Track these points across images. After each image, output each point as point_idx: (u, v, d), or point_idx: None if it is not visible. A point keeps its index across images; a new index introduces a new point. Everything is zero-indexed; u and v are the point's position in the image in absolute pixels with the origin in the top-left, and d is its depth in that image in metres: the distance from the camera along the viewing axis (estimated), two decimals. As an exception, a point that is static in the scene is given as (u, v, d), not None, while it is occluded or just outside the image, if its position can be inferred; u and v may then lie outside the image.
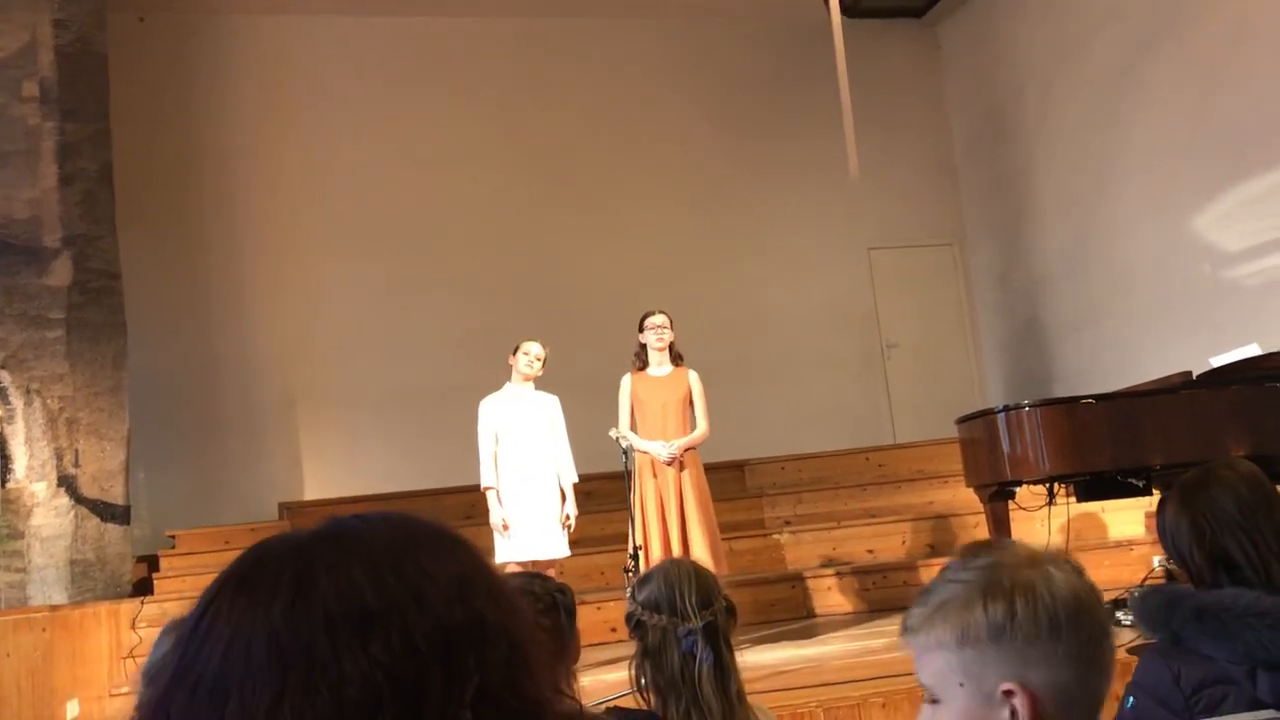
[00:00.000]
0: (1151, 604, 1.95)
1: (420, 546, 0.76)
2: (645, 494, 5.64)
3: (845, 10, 7.37)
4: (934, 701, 1.17)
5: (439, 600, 0.73)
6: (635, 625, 2.23)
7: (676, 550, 5.50)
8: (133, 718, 0.74)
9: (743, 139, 9.74)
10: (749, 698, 2.23)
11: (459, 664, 0.71)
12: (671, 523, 5.60)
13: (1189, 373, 5.61)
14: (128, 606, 6.33)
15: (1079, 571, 1.21)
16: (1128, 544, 6.73)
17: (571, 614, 2.41)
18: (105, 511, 6.62)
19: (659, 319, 5.86)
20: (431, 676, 0.70)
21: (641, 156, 9.55)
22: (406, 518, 0.79)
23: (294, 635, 0.69)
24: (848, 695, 4.18)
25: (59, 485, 6.45)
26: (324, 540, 0.76)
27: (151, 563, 7.19)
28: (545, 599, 2.37)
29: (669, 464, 5.63)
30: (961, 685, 1.14)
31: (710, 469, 5.85)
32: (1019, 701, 1.13)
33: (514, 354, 5.83)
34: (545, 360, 5.81)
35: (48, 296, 6.62)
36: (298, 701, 0.67)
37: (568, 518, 5.67)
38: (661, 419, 5.76)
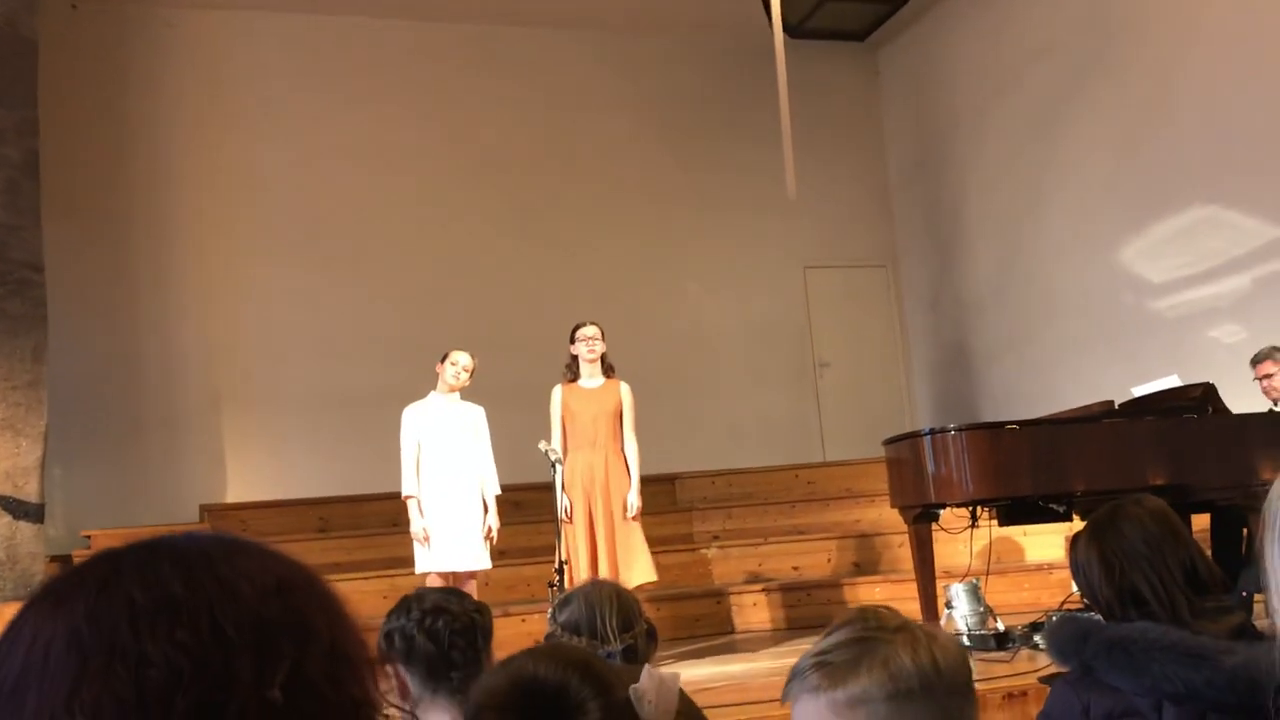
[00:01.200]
0: (1064, 634, 1.98)
1: (241, 555, 0.76)
2: (574, 506, 5.62)
3: (788, 30, 7.44)
4: None
5: (253, 595, 0.72)
6: None
7: (603, 563, 5.49)
8: None
9: (682, 155, 9.77)
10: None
11: (273, 649, 0.70)
12: (600, 535, 5.59)
13: (1111, 402, 5.73)
14: (38, 608, 6.16)
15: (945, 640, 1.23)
16: (1048, 567, 6.85)
17: (488, 636, 2.38)
18: (18, 509, 6.44)
19: (590, 330, 5.84)
20: (240, 662, 0.69)
21: (580, 168, 9.54)
22: (236, 536, 0.79)
23: (95, 626, 0.68)
24: (770, 715, 4.19)
25: (-30, 481, 6.27)
26: (139, 547, 0.75)
27: (65, 563, 7.01)
28: (463, 618, 2.34)
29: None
30: None
31: (641, 482, 5.84)
32: None
33: (441, 363, 5.78)
34: (473, 372, 5.77)
35: (-35, 287, 6.44)
36: (95, 686, 0.66)
37: (490, 530, 5.63)
38: (592, 431, 5.75)
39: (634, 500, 5.65)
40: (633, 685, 1.06)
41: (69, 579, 0.73)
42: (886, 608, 1.28)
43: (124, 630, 0.68)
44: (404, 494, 5.63)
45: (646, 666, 1.10)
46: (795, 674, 1.21)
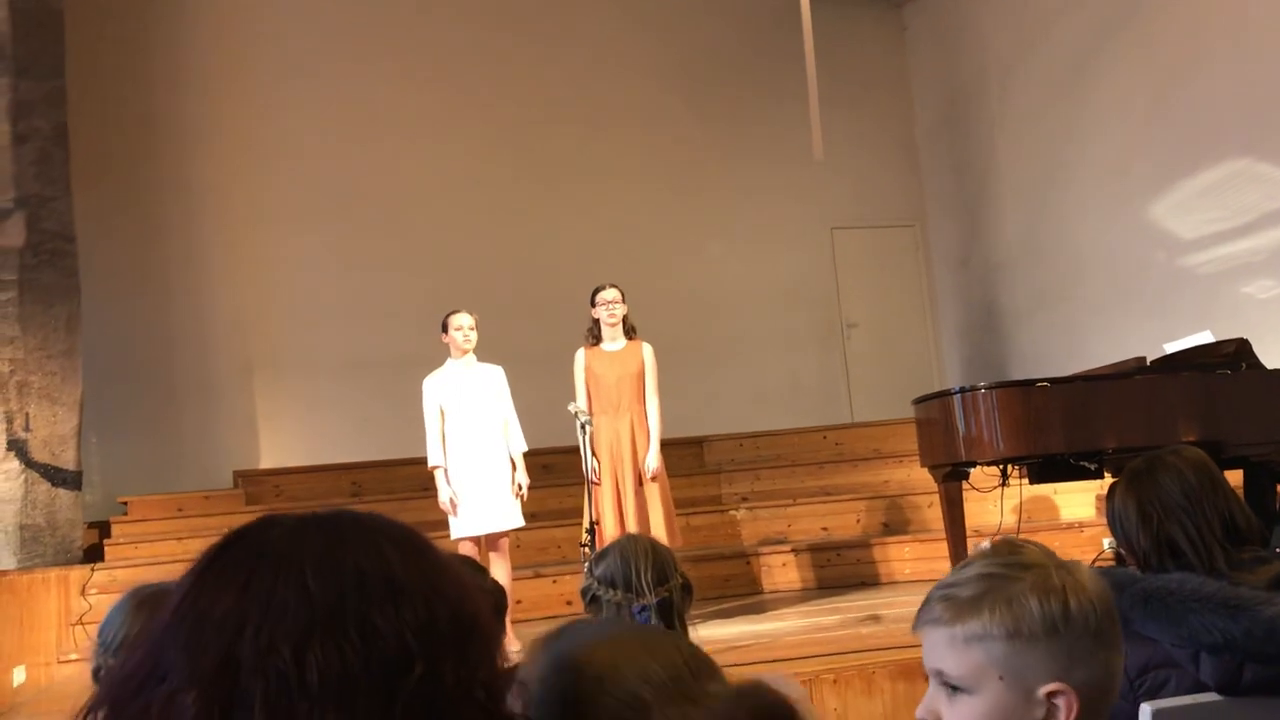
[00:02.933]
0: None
1: (429, 546, 0.81)
2: (601, 469, 5.65)
3: (813, -11, 7.36)
4: (956, 691, 1.16)
5: (453, 594, 0.76)
6: (591, 600, 2.24)
7: (630, 525, 5.51)
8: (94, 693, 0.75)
9: (708, 116, 9.72)
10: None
11: (472, 648, 0.75)
12: (627, 498, 5.62)
13: (1143, 358, 5.68)
14: (78, 573, 6.27)
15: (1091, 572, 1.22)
16: (1078, 526, 6.84)
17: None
18: (56, 476, 6.53)
19: (609, 293, 5.83)
20: (446, 656, 0.72)
21: (605, 132, 9.50)
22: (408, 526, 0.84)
23: (323, 582, 0.70)
24: (799, 671, 4.22)
25: (9, 449, 6.35)
26: (341, 517, 0.79)
27: (103, 529, 7.12)
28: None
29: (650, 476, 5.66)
30: (1001, 679, 1.14)
31: (669, 445, 5.87)
32: (1063, 701, 1.13)
33: (445, 332, 5.78)
34: (476, 326, 5.78)
35: (-1, 257, 6.50)
36: (327, 643, 0.68)
37: (519, 487, 5.66)
38: (616, 394, 5.76)
39: (651, 462, 5.66)
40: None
41: (275, 532, 0.75)
42: (1033, 542, 1.26)
43: (352, 595, 0.70)
44: (430, 464, 5.66)
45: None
46: (925, 604, 1.21)
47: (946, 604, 1.18)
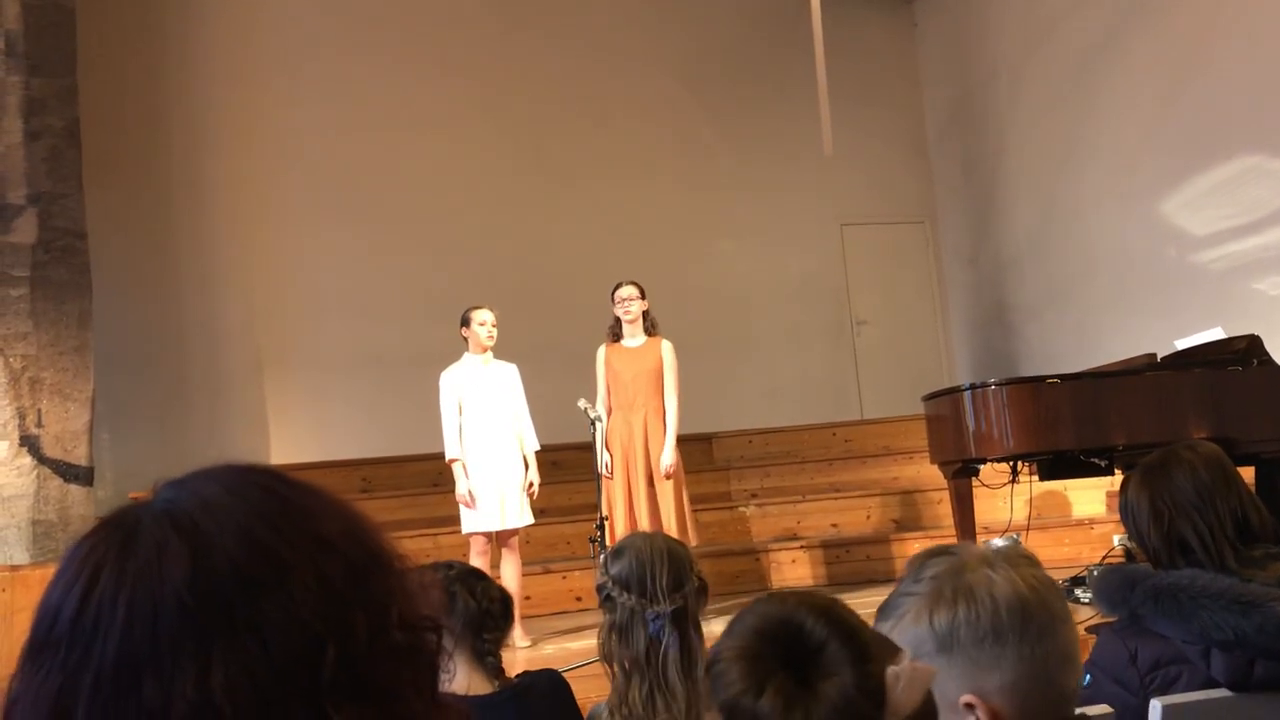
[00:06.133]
0: (1110, 583, 1.98)
1: (306, 494, 0.72)
2: (615, 464, 5.67)
3: (823, -15, 7.36)
4: None
5: (337, 537, 0.69)
6: (605, 598, 2.21)
7: (642, 521, 5.51)
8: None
9: (718, 112, 9.72)
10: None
11: (375, 592, 0.68)
12: (639, 494, 5.62)
13: (1154, 355, 5.67)
14: (90, 568, 6.28)
15: (1031, 562, 1.20)
16: (1089, 523, 6.82)
17: (510, 615, 2.44)
18: (68, 472, 6.56)
19: (625, 291, 5.86)
20: (355, 614, 0.66)
21: (616, 127, 9.51)
22: (273, 470, 0.74)
23: (204, 597, 0.63)
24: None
25: (21, 445, 6.39)
26: (201, 500, 0.69)
27: (115, 525, 7.14)
28: (497, 587, 2.40)
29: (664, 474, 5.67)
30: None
31: (679, 441, 5.87)
32: (980, 713, 1.13)
33: (465, 326, 5.79)
34: (497, 323, 5.82)
35: (11, 254, 6.53)
36: (228, 664, 0.61)
37: (531, 485, 5.67)
38: (632, 390, 5.78)
39: (667, 459, 5.67)
40: (891, 667, 0.95)
41: (128, 538, 0.67)
42: (955, 546, 1.26)
43: (239, 598, 0.63)
44: (448, 458, 5.68)
45: (907, 655, 0.99)
46: (881, 610, 1.22)
47: (881, 613, 1.21)
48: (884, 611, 1.21)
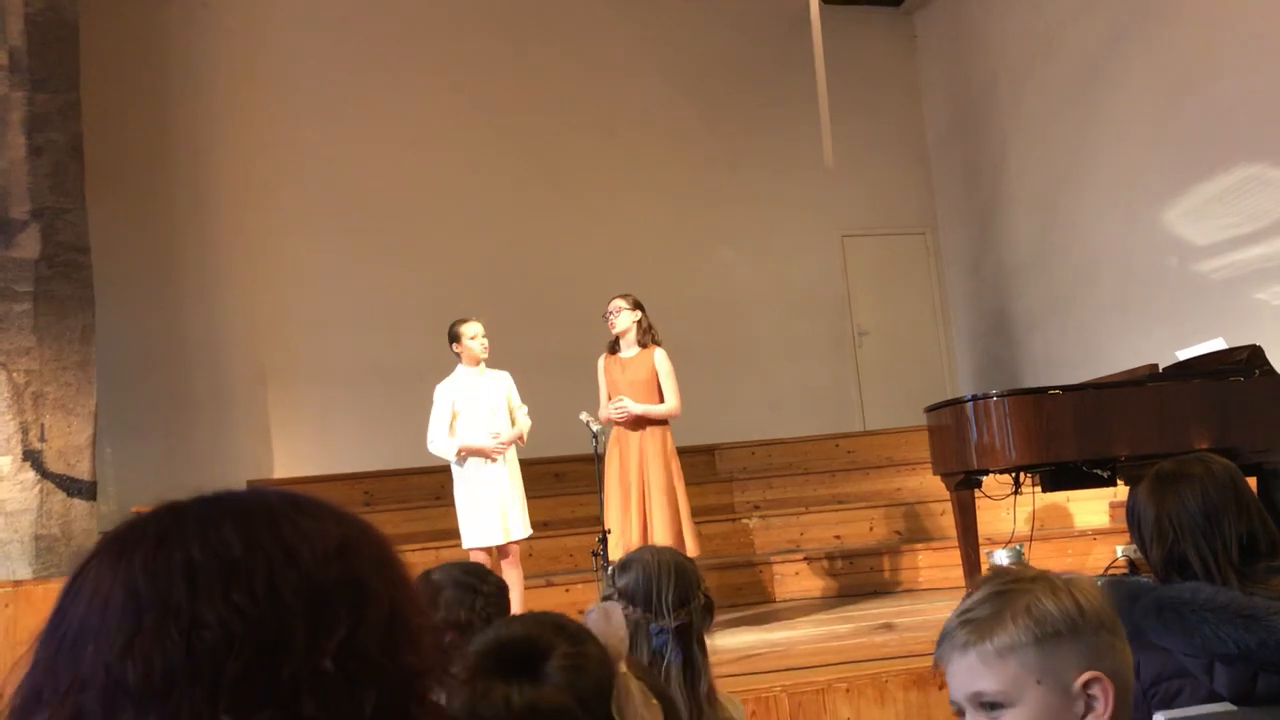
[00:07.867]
0: (1114, 595, 1.97)
1: (305, 514, 0.76)
2: (610, 477, 5.65)
3: (823, -3, 7.38)
4: (996, 708, 1.18)
5: (313, 559, 0.73)
6: None
7: (634, 534, 5.49)
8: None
9: (719, 124, 9.74)
10: (715, 681, 2.23)
11: (328, 616, 0.71)
12: (633, 506, 5.60)
13: (1155, 365, 5.67)
14: (93, 583, 6.28)
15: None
16: (1091, 534, 6.82)
17: (506, 613, 2.44)
18: (71, 487, 6.56)
19: (612, 304, 5.89)
20: (295, 628, 0.69)
21: (617, 138, 9.53)
22: (301, 494, 0.79)
23: (152, 583, 0.69)
24: (813, 680, 4.22)
25: (24, 459, 6.39)
26: (204, 501, 0.77)
27: (118, 539, 7.14)
28: (495, 584, 2.40)
29: (629, 431, 5.66)
30: (1039, 683, 1.16)
31: (681, 453, 5.86)
32: (1099, 689, 1.16)
33: (456, 342, 5.80)
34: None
35: (15, 269, 6.54)
36: (147, 644, 0.67)
37: (498, 434, 5.66)
38: (628, 399, 5.77)
39: (634, 409, 5.62)
40: (587, 614, 1.11)
41: (132, 531, 0.74)
42: (1020, 563, 1.32)
43: (180, 589, 0.69)
44: (431, 448, 5.70)
45: (597, 603, 1.14)
46: (944, 636, 1.24)
47: (969, 627, 1.21)
48: (963, 615, 1.23)
